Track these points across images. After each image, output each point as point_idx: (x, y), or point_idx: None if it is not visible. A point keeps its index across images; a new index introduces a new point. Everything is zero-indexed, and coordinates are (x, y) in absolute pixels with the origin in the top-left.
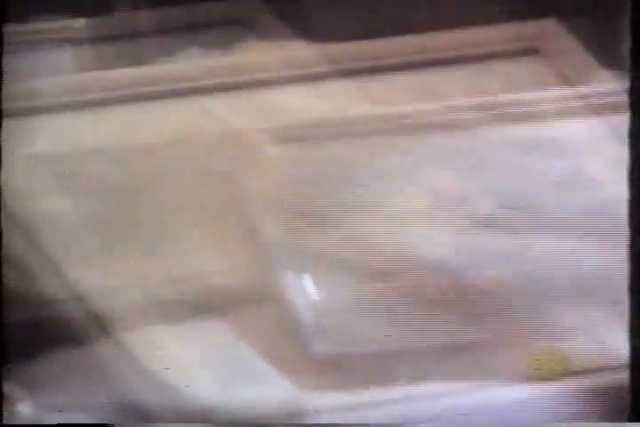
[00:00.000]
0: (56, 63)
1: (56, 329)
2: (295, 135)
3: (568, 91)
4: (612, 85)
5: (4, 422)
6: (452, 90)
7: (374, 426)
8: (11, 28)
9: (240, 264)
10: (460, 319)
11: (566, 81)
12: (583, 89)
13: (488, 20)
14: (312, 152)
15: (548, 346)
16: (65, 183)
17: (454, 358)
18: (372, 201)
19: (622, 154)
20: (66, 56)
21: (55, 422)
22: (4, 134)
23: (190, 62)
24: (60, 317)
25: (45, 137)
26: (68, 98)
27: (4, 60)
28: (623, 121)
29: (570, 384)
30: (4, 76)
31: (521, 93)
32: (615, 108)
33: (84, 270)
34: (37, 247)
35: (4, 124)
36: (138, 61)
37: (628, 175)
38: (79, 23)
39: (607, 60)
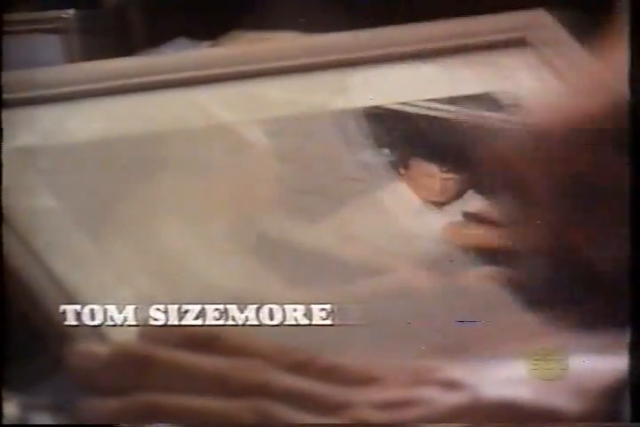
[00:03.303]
0: (43, 54)
1: (46, 328)
2: (284, 128)
3: None
4: None
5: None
6: (441, 81)
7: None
8: None
9: (232, 263)
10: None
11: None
12: None
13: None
14: (301, 145)
15: (547, 346)
16: (51, 178)
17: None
18: (364, 195)
19: None
20: (53, 47)
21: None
22: None
23: (180, 54)
24: (50, 315)
25: (31, 130)
26: (56, 90)
27: None
28: None
29: (570, 384)
30: None
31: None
32: None
33: (72, 268)
34: (25, 245)
35: None
36: (126, 53)
37: (628, 179)
38: (67, 14)
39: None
